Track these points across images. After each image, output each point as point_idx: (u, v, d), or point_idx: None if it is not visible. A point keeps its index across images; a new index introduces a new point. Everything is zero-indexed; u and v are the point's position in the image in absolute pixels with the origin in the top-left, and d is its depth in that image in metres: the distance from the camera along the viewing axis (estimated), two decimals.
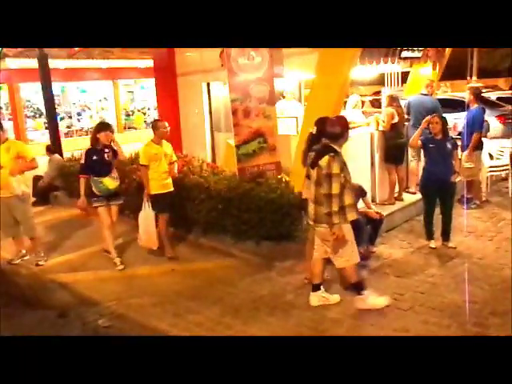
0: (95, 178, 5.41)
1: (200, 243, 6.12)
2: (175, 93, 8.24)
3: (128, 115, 20.31)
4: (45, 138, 15.87)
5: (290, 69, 6.45)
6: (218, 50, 7.27)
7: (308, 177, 4.38)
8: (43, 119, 17.61)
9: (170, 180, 5.70)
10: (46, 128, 16.38)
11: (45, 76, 9.09)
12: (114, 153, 5.53)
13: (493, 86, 19.41)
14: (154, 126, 5.71)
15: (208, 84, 7.82)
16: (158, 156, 5.53)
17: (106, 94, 19.47)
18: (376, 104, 13.55)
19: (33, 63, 15.36)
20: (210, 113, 7.92)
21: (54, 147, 9.43)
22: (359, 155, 6.34)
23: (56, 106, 10.61)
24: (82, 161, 5.45)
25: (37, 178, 8.83)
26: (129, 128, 20.01)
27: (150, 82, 19.59)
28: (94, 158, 5.38)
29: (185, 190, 6.09)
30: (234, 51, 5.73)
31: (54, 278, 5.38)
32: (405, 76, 8.05)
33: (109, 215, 5.55)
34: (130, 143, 14.89)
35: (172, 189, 5.73)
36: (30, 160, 5.60)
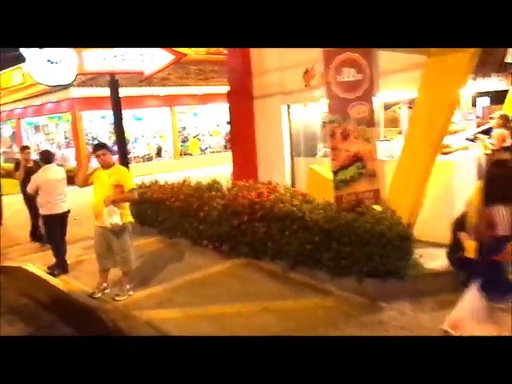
0: None
1: (289, 278, 5.58)
2: (251, 116, 7.90)
3: (184, 141, 20.33)
4: None
5: (387, 87, 5.94)
6: (300, 70, 6.92)
7: None
8: None
9: None
10: None
11: (116, 103, 8.96)
12: None
13: None
14: None
15: (288, 106, 7.44)
16: None
17: (162, 121, 19.57)
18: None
19: (95, 92, 15.78)
20: (290, 136, 7.49)
21: None
22: (465, 183, 5.68)
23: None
24: None
25: None
26: (184, 154, 19.98)
27: (203, 109, 19.82)
28: None
29: (274, 219, 5.60)
30: (332, 68, 5.26)
31: (140, 315, 4.95)
32: None
33: None
34: (186, 170, 14.85)
35: None
36: (129, 190, 5.12)
